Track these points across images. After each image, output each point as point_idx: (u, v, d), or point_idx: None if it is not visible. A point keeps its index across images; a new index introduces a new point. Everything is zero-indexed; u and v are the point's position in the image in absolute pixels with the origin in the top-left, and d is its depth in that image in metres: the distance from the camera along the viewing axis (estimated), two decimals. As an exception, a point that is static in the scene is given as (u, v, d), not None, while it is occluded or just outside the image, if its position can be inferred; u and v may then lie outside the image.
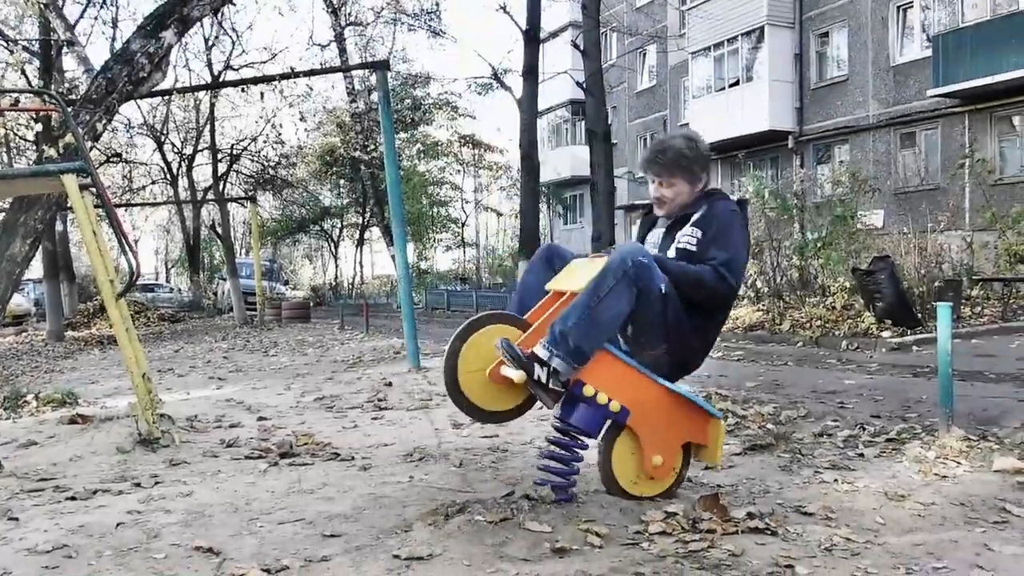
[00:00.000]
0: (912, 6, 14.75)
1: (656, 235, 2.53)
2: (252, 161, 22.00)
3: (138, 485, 2.76)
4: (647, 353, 2.31)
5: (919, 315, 7.30)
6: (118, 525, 2.28)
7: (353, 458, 3.08)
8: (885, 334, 6.95)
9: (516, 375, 2.14)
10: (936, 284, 7.73)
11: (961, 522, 2.13)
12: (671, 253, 2.38)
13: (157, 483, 2.79)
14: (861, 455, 2.88)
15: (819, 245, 8.39)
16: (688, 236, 2.36)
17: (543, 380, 2.14)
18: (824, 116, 16.38)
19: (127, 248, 3.72)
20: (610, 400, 2.24)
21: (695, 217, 2.39)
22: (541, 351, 2.15)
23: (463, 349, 2.25)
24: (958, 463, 2.66)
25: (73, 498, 2.61)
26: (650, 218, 2.61)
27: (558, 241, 24.15)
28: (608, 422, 2.29)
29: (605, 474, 2.34)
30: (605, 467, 2.33)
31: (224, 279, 20.07)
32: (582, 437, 2.32)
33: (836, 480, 2.54)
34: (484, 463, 2.90)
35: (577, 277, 2.30)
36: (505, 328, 2.29)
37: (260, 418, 4.20)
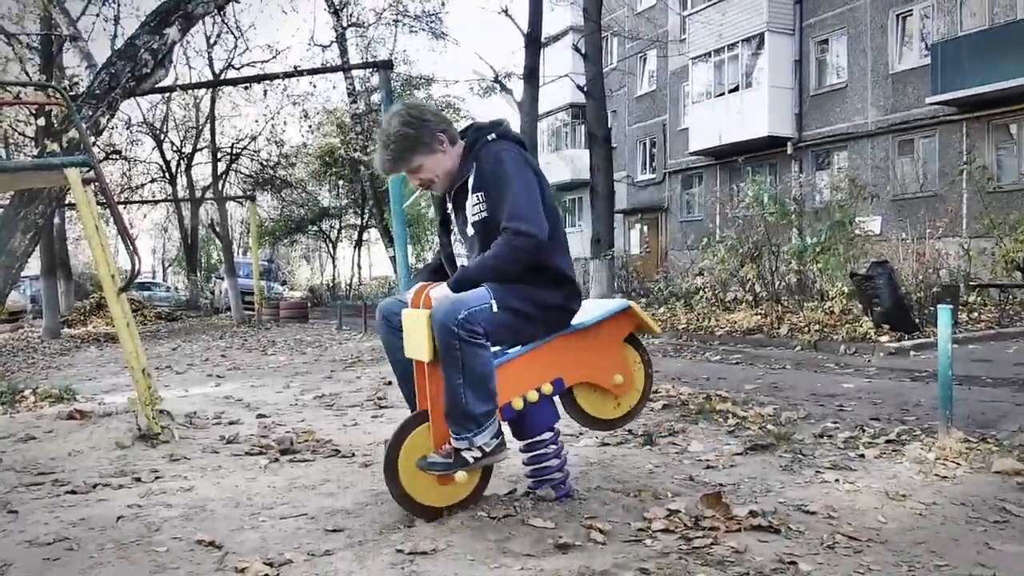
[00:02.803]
0: (911, 14, 14.84)
1: (453, 215, 2.32)
2: (251, 161, 21.99)
3: (138, 479, 2.76)
4: (532, 333, 2.21)
5: (917, 320, 7.32)
6: (119, 518, 2.27)
7: (354, 455, 3.07)
8: (883, 339, 6.96)
9: (460, 477, 2.12)
10: (934, 290, 7.76)
11: (962, 521, 2.14)
12: (470, 231, 2.21)
13: (157, 478, 2.78)
14: (861, 456, 2.89)
15: (817, 250, 8.41)
16: (476, 206, 2.17)
17: (481, 458, 2.11)
18: (823, 122, 16.45)
19: (128, 243, 3.71)
20: (539, 390, 2.22)
21: (470, 181, 2.19)
22: (460, 444, 2.09)
23: (401, 473, 2.13)
24: (958, 464, 2.67)
25: (73, 492, 2.61)
26: (440, 197, 2.38)
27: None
28: (555, 400, 2.30)
29: (590, 424, 2.40)
30: (584, 420, 2.39)
31: (222, 278, 20.04)
32: (547, 434, 2.31)
33: (837, 480, 2.54)
34: (485, 461, 2.89)
35: (417, 341, 2.12)
36: (421, 429, 2.16)
37: (259, 415, 4.19)
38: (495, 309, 2.08)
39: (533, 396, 2.22)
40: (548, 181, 2.28)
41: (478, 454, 2.10)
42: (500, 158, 2.15)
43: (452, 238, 2.35)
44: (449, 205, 2.31)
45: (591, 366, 2.32)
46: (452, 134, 2.24)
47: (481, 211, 2.15)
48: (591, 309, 2.38)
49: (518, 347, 2.23)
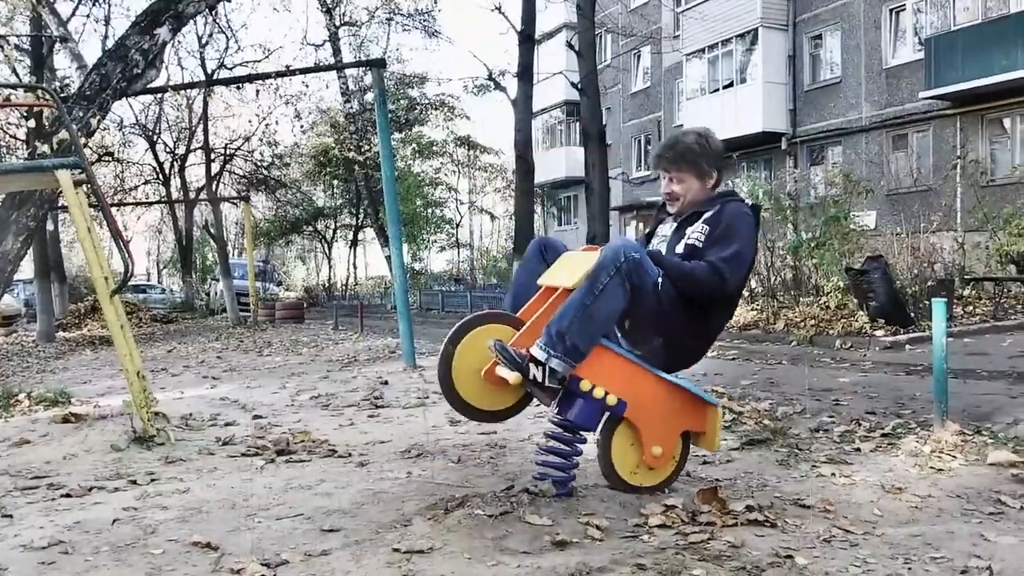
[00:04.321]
0: (904, 9, 14.87)
1: (667, 229, 2.53)
2: (245, 161, 21.90)
3: (134, 482, 2.74)
4: (643, 346, 2.32)
5: (912, 314, 7.35)
6: (114, 521, 2.26)
7: (350, 455, 3.07)
8: (878, 333, 6.99)
9: (512, 376, 2.15)
10: (928, 284, 7.78)
11: (958, 513, 2.15)
12: (679, 249, 2.38)
13: (153, 480, 2.77)
14: (857, 450, 2.89)
15: (813, 245, 8.43)
16: (697, 233, 2.37)
17: (540, 379, 2.14)
18: (817, 118, 16.48)
19: (121, 245, 3.69)
20: (607, 394, 2.24)
21: (707, 215, 2.39)
22: (538, 352, 2.15)
23: (457, 351, 2.25)
24: (953, 457, 2.68)
25: (68, 495, 2.59)
26: (664, 214, 2.61)
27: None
28: (606, 415, 2.29)
29: (605, 466, 2.34)
30: (605, 459, 2.33)
31: (217, 280, 19.97)
32: (581, 432, 2.32)
33: (833, 474, 2.55)
34: (483, 459, 2.89)
35: (570, 272, 2.29)
36: (498, 328, 2.28)
37: (255, 416, 4.18)
38: (658, 284, 2.21)
39: (599, 393, 2.23)
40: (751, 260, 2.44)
41: (542, 375, 2.14)
42: (743, 219, 2.35)
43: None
44: (672, 224, 2.51)
45: (651, 418, 2.30)
46: (720, 179, 2.49)
47: (699, 240, 2.35)
48: (688, 383, 2.37)
49: (629, 350, 2.29)
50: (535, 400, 2.40)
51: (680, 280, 2.25)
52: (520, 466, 2.74)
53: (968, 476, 2.49)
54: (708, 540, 1.93)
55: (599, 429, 2.32)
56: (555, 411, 2.34)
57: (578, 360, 2.16)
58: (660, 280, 2.22)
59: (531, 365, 2.14)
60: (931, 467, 2.59)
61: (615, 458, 2.32)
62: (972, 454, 2.71)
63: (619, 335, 2.38)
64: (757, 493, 2.36)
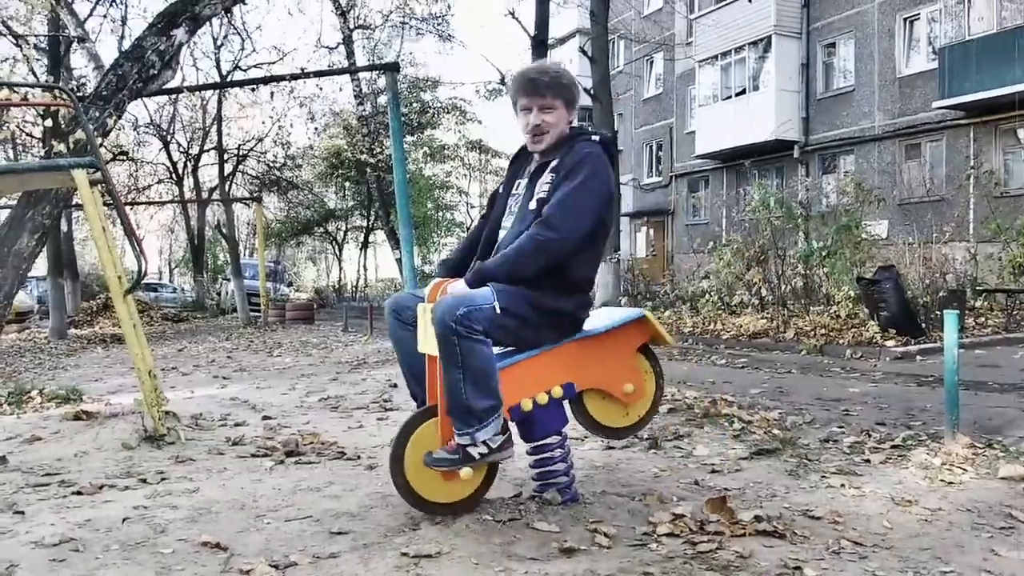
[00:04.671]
0: (919, 18, 14.80)
1: (521, 185, 2.35)
2: (258, 162, 22.05)
3: (144, 481, 2.77)
4: (538, 337, 2.21)
5: (923, 325, 7.29)
6: (124, 520, 2.28)
7: (359, 457, 3.08)
8: (889, 343, 6.94)
9: (464, 473, 2.12)
10: (940, 294, 7.72)
11: (968, 527, 2.13)
12: (532, 206, 2.22)
13: (163, 479, 2.79)
14: (867, 461, 2.87)
15: (824, 254, 8.40)
16: (545, 184, 2.21)
17: (487, 453, 2.10)
18: (830, 126, 16.41)
19: (135, 244, 3.73)
20: (548, 393, 2.22)
21: (553, 163, 2.24)
22: (463, 441, 2.08)
23: (407, 467, 2.15)
24: (964, 470, 2.66)
25: (79, 493, 2.61)
26: (516, 164, 2.42)
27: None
28: (564, 405, 2.29)
29: (600, 432, 2.39)
30: (594, 427, 2.38)
31: (228, 279, 20.10)
32: (554, 437, 2.31)
33: (843, 485, 2.53)
34: (490, 464, 2.89)
35: (428, 334, 2.14)
36: (427, 425, 2.18)
37: (265, 417, 4.20)
38: (497, 311, 2.07)
39: (542, 399, 2.22)
40: (616, 200, 2.30)
41: (484, 450, 2.10)
42: (586, 158, 2.19)
43: (507, 211, 2.36)
44: (526, 177, 2.34)
45: (603, 373, 2.31)
46: (574, 116, 2.32)
47: (545, 192, 2.20)
48: (608, 315, 2.38)
49: (530, 350, 2.22)
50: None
51: (514, 273, 2.10)
52: (528, 472, 2.73)
53: (979, 490, 2.47)
54: (716, 550, 1.92)
55: (570, 415, 2.33)
56: (526, 445, 2.33)
57: (496, 411, 2.09)
58: (496, 304, 2.07)
59: (469, 450, 2.08)
60: (941, 480, 2.57)
61: (600, 419, 2.36)
62: (983, 467, 2.69)
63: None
64: (766, 503, 2.35)
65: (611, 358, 2.32)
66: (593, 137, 2.29)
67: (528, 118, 2.27)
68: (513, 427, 2.25)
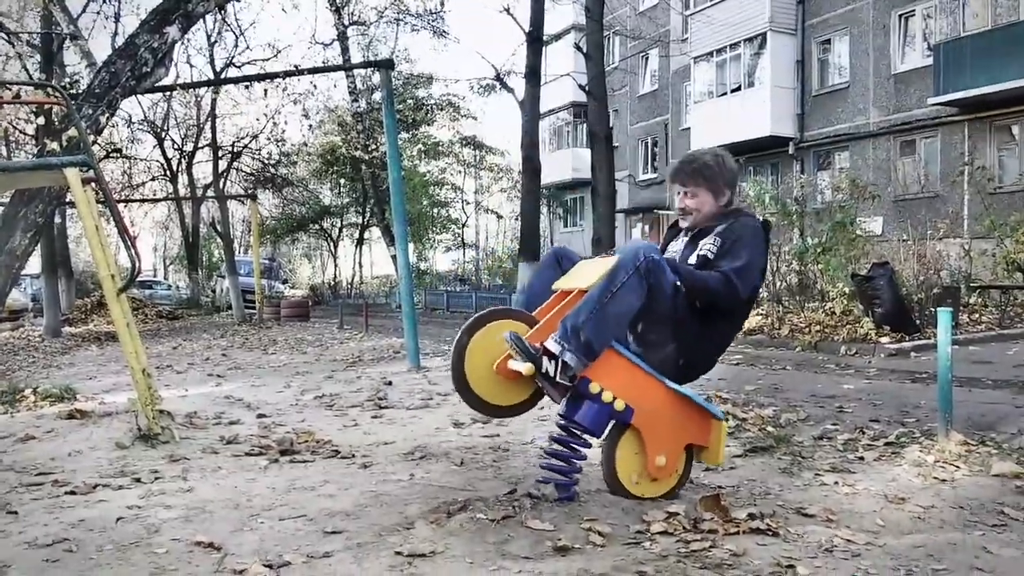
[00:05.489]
0: (914, 15, 14.82)
1: (679, 244, 2.58)
2: (253, 159, 21.97)
3: (138, 480, 2.76)
4: (655, 353, 2.33)
5: (917, 321, 7.32)
6: (118, 520, 2.28)
7: (354, 456, 3.08)
8: (883, 340, 6.96)
9: (525, 368, 2.16)
10: (934, 291, 7.75)
11: (960, 525, 2.14)
12: (691, 260, 2.43)
13: (157, 479, 2.78)
14: (861, 458, 2.89)
15: (819, 251, 8.41)
16: (709, 245, 2.43)
17: (552, 374, 2.16)
18: (825, 123, 16.43)
19: (128, 242, 3.71)
20: (615, 398, 2.24)
21: (718, 229, 2.45)
22: (552, 345, 2.17)
23: (470, 344, 2.27)
24: (957, 467, 2.68)
25: (72, 492, 2.61)
26: (675, 230, 2.67)
27: (558, 244, 24.17)
28: (612, 421, 2.29)
29: (608, 473, 2.34)
30: (608, 466, 2.33)
31: (223, 277, 20.04)
32: (586, 436, 2.32)
33: (836, 482, 2.54)
34: (485, 462, 2.90)
35: (585, 275, 2.32)
36: (512, 323, 2.30)
37: (260, 415, 4.19)
38: (676, 283, 2.24)
39: (608, 397, 2.24)
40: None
41: (553, 368, 2.15)
42: (755, 232, 2.42)
43: None
44: (684, 237, 2.57)
45: (656, 427, 2.29)
46: (732, 198, 2.55)
47: (710, 252, 2.40)
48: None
49: (640, 359, 2.30)
50: (539, 405, 2.41)
51: (694, 288, 2.28)
52: (523, 469, 2.75)
53: (972, 487, 2.48)
54: (710, 548, 1.93)
55: (604, 435, 2.32)
56: (562, 412, 2.35)
57: (591, 357, 2.18)
58: (677, 280, 2.26)
59: (544, 359, 2.16)
60: (934, 477, 2.58)
61: (619, 465, 2.32)
62: (976, 464, 2.70)
63: (631, 340, 2.39)
64: (760, 501, 2.36)
65: (672, 424, 2.31)
66: (756, 214, 2.60)
67: (677, 200, 2.57)
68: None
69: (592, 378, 2.22)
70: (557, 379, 2.17)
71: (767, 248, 2.47)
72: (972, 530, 2.10)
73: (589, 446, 2.34)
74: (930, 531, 2.10)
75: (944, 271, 8.85)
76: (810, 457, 2.91)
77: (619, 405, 2.25)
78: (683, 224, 2.58)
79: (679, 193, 2.54)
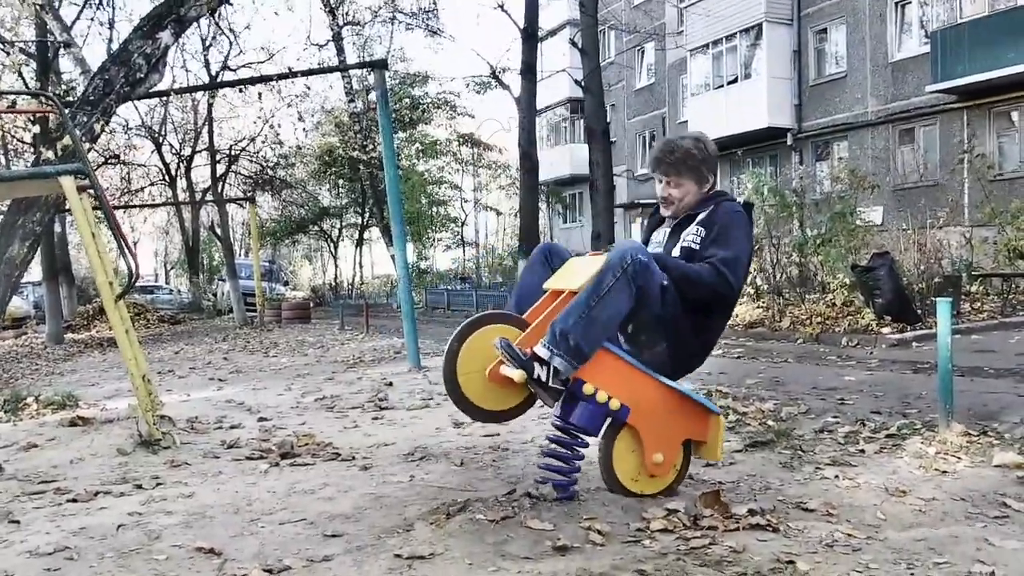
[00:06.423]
0: (910, 2, 14.76)
1: (661, 234, 2.54)
2: (251, 162, 21.98)
3: (139, 486, 2.76)
4: (647, 351, 2.32)
5: (919, 311, 7.30)
6: (119, 527, 2.28)
7: (354, 458, 3.08)
8: (885, 330, 6.95)
9: (516, 374, 2.15)
10: (935, 280, 7.73)
11: (962, 517, 2.13)
12: (675, 252, 2.39)
13: (158, 484, 2.79)
14: (862, 451, 2.88)
15: (819, 242, 8.39)
16: (692, 235, 2.38)
17: (543, 379, 2.15)
18: (823, 113, 16.39)
19: (126, 250, 3.72)
20: (610, 398, 2.24)
21: (700, 217, 2.41)
22: (541, 350, 2.16)
23: (462, 349, 2.26)
24: (958, 458, 2.66)
25: (74, 500, 2.61)
26: (656, 218, 2.62)
27: (557, 240, 24.16)
28: (608, 420, 2.29)
29: (606, 471, 2.34)
30: (606, 464, 2.33)
31: (224, 280, 20.07)
32: (583, 436, 2.32)
33: (837, 476, 2.54)
34: (485, 462, 2.90)
35: (575, 275, 2.30)
36: (503, 328, 2.29)
37: (260, 419, 4.20)
38: (664, 283, 2.21)
39: (603, 397, 2.23)
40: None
41: (544, 374, 2.14)
42: (737, 218, 2.37)
43: None
44: (665, 229, 2.52)
45: (654, 425, 2.29)
46: (714, 183, 2.50)
47: (695, 242, 2.36)
48: (689, 388, 2.38)
49: (633, 358, 2.28)
50: (538, 403, 2.41)
51: (685, 282, 2.25)
52: (523, 469, 2.74)
53: (973, 478, 2.47)
54: (710, 545, 1.93)
55: (601, 434, 2.32)
56: (557, 414, 2.34)
57: (581, 360, 2.17)
58: (664, 283, 2.23)
59: (535, 364, 2.15)
60: (936, 469, 2.57)
61: (616, 463, 2.31)
62: (977, 455, 2.69)
63: (622, 340, 2.38)
64: (760, 496, 2.35)
65: (668, 420, 2.30)
66: (737, 198, 2.50)
67: (658, 188, 2.52)
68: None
69: (586, 379, 2.22)
70: (549, 384, 2.16)
71: (751, 232, 2.45)
72: (974, 522, 2.09)
73: (586, 445, 2.34)
74: (931, 524, 2.09)
75: (945, 260, 8.82)
76: (811, 451, 2.91)
77: (614, 404, 2.24)
78: (665, 213, 2.54)
79: (661, 182, 2.49)
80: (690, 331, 2.32)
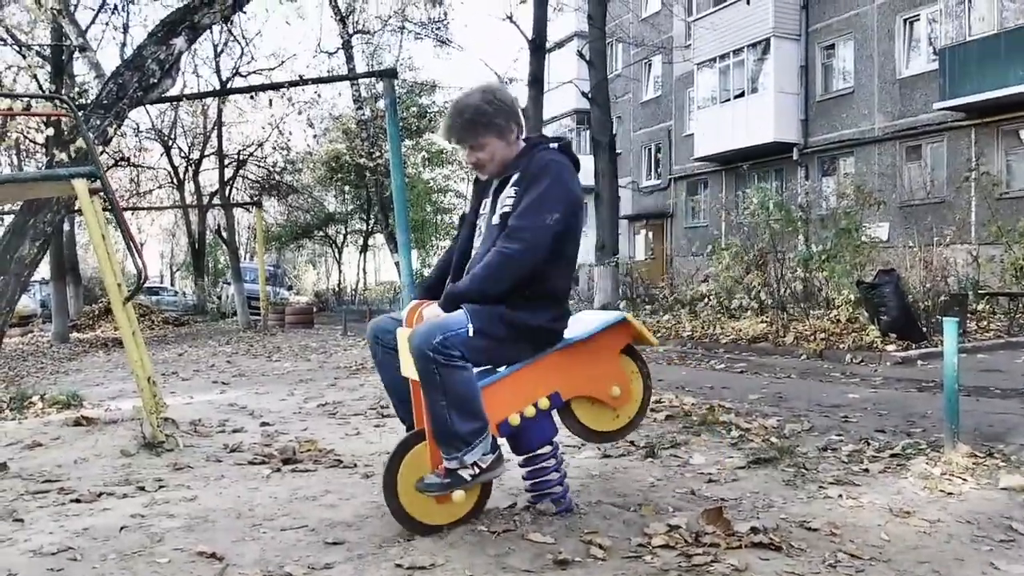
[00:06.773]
0: (919, 19, 14.79)
1: (487, 204, 2.33)
2: (258, 167, 22.11)
3: (142, 489, 2.77)
4: (517, 352, 2.20)
5: (924, 329, 7.27)
6: (122, 529, 2.29)
7: (356, 465, 3.08)
8: (890, 348, 6.92)
9: (457, 496, 2.13)
10: (942, 298, 7.70)
11: (967, 539, 2.12)
12: (495, 221, 2.20)
13: (161, 487, 2.80)
14: (866, 470, 2.86)
15: (824, 258, 8.38)
16: (508, 199, 2.18)
17: (477, 474, 2.10)
18: (829, 128, 16.40)
19: (134, 252, 3.74)
20: (535, 406, 2.21)
21: (515, 177, 2.21)
22: (451, 465, 2.08)
23: (400, 492, 2.14)
24: (964, 480, 2.65)
25: (78, 500, 2.62)
26: (480, 184, 2.41)
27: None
28: (552, 414, 2.29)
29: (589, 435, 2.39)
30: (584, 432, 2.38)
31: (228, 283, 20.13)
32: (546, 448, 2.30)
33: (840, 495, 2.52)
34: (487, 472, 2.89)
35: (408, 359, 2.13)
36: (416, 450, 2.17)
37: (263, 423, 4.20)
38: (471, 334, 2.05)
39: (530, 411, 2.21)
40: (583, 207, 2.29)
41: (474, 471, 2.10)
42: (548, 166, 2.17)
43: (476, 232, 2.34)
44: (490, 195, 2.31)
45: (587, 379, 2.31)
46: (521, 127, 2.28)
47: (510, 206, 2.16)
48: (588, 320, 2.37)
49: (512, 366, 2.22)
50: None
51: (489, 288, 2.07)
52: (523, 483, 2.73)
53: (979, 500, 2.45)
54: (711, 563, 1.92)
55: (559, 424, 2.33)
56: (516, 457, 2.33)
57: (483, 432, 2.07)
58: (470, 327, 2.05)
59: (461, 473, 2.07)
60: (941, 490, 2.55)
61: (591, 424, 2.36)
62: (983, 477, 2.67)
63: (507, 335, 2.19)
64: (762, 514, 2.34)
65: (594, 363, 2.31)
66: (551, 144, 2.27)
67: (463, 156, 2.32)
68: (504, 443, 2.25)
69: (504, 416, 2.16)
70: (487, 470, 2.11)
71: (567, 174, 2.18)
72: (979, 545, 2.08)
73: (557, 447, 2.33)
74: (936, 546, 2.07)
75: (951, 278, 8.80)
76: (814, 469, 2.89)
77: (543, 404, 2.22)
78: (481, 177, 2.34)
79: (464, 150, 2.28)
80: (532, 312, 2.15)
